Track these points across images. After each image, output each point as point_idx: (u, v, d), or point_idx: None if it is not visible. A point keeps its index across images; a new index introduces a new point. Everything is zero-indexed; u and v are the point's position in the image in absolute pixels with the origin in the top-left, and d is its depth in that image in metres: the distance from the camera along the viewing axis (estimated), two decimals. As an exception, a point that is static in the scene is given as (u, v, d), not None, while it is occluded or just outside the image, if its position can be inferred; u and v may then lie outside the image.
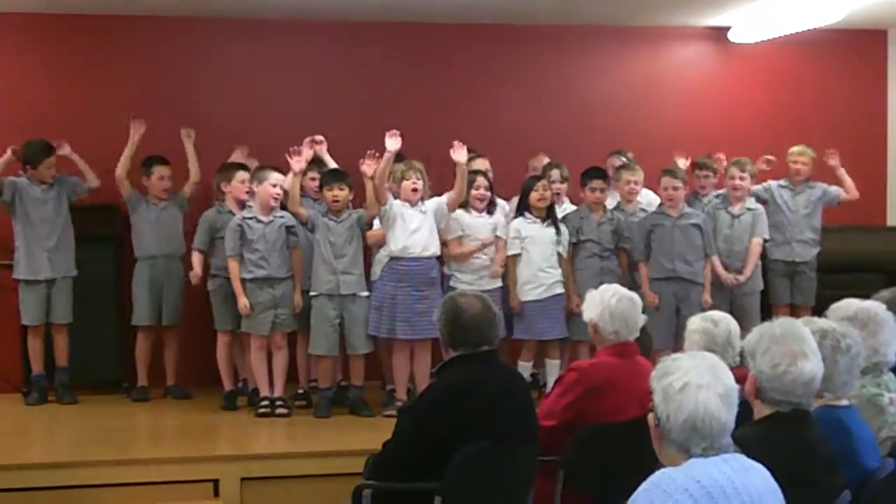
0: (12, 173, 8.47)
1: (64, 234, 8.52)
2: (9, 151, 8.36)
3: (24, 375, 8.78)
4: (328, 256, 7.90)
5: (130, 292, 8.71)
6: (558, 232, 8.32)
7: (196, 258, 8.32)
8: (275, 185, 7.94)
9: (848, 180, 9.12)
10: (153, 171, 8.66)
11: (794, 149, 9.19)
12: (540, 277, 8.26)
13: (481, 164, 8.51)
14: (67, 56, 9.32)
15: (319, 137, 8.29)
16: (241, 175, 8.30)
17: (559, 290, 8.29)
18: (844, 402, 4.17)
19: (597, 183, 8.46)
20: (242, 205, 8.21)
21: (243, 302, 7.92)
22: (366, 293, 7.96)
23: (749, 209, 8.79)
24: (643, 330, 5.62)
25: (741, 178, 8.75)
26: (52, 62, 9.31)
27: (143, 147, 8.74)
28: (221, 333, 8.37)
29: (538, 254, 8.27)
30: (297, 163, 7.85)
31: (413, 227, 7.85)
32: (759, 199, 8.99)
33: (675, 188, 8.40)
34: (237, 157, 8.82)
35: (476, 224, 8.20)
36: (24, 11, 9.08)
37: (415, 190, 7.90)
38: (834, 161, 9.13)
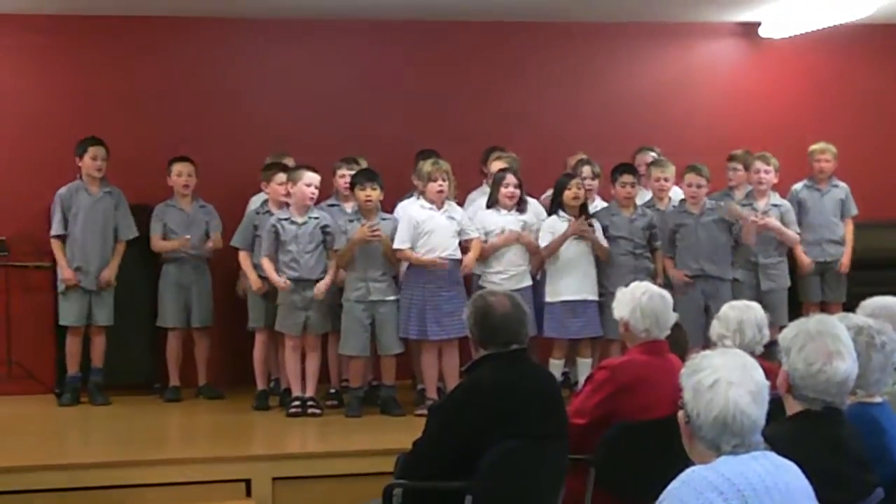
0: (70, 178, 8.53)
1: (111, 245, 8.58)
2: None
3: (56, 376, 8.82)
4: (359, 264, 7.91)
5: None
6: (592, 229, 8.26)
7: (242, 256, 8.29)
8: (309, 185, 7.92)
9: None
10: (172, 169, 8.70)
11: (816, 146, 9.15)
12: (574, 276, 8.20)
13: (509, 162, 8.46)
14: (96, 57, 9.36)
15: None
16: (280, 177, 8.27)
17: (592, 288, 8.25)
18: (878, 400, 4.13)
19: (627, 177, 8.41)
20: (285, 205, 8.21)
21: (275, 279, 7.88)
22: (395, 297, 7.95)
23: (775, 205, 8.74)
24: (679, 328, 5.60)
25: (766, 172, 8.69)
26: (81, 63, 9.35)
27: (171, 147, 8.83)
28: (259, 332, 8.37)
29: (573, 252, 8.21)
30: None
31: (437, 230, 7.88)
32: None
33: (700, 185, 8.39)
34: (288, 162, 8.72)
35: (505, 223, 8.15)
36: (54, 13, 9.13)
37: (440, 191, 7.91)
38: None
